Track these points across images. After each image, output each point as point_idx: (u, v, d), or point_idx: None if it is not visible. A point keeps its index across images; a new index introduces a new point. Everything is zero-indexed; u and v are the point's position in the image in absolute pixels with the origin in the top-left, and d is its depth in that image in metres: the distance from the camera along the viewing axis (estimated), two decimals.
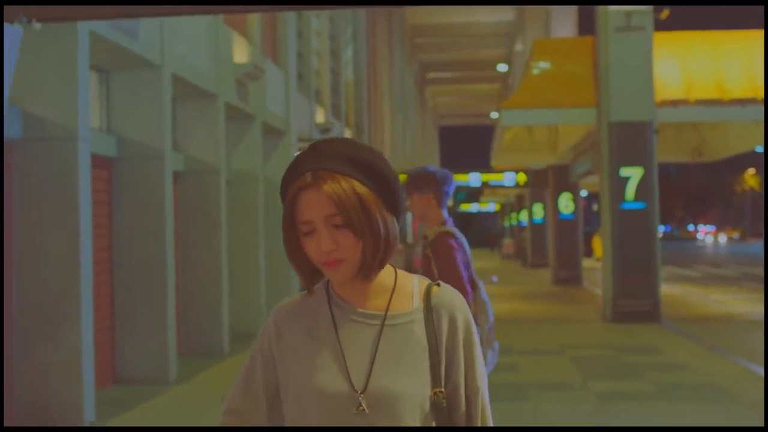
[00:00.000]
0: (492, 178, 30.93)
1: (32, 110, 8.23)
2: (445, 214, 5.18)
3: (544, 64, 18.71)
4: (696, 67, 18.17)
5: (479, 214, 78.42)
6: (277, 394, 2.01)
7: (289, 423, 1.98)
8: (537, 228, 36.00)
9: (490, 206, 67.05)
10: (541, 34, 31.98)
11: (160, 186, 10.48)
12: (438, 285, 2.01)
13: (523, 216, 43.71)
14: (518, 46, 42.91)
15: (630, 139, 16.77)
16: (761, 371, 10.65)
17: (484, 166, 38.75)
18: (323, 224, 1.88)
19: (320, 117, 22.32)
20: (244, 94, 14.10)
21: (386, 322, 1.95)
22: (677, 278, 30.22)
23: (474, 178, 30.30)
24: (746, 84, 17.76)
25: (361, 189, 1.89)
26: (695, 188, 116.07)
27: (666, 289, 20.12)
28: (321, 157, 1.91)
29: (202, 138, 12.68)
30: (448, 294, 2.00)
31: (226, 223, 13.08)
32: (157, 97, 10.46)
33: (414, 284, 2.01)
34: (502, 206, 64.63)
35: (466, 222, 67.74)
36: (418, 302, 1.98)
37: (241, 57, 14.03)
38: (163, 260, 10.44)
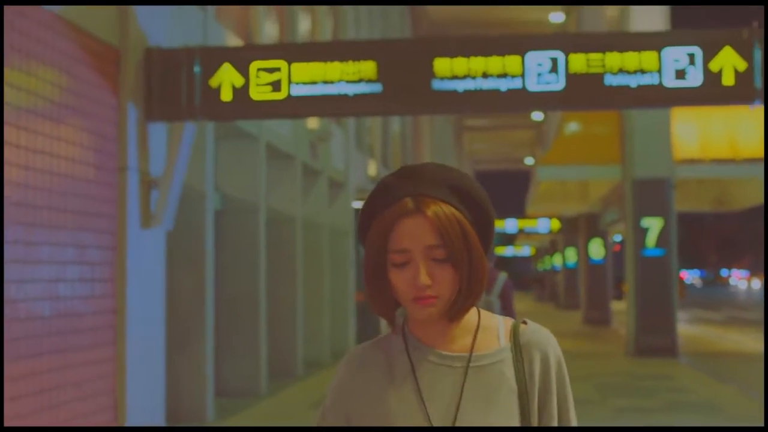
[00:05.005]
0: (527, 224, 33.02)
1: None
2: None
3: (575, 126, 20.94)
4: (711, 129, 20.20)
5: (514, 258, 79.94)
6: None
7: None
8: (569, 272, 37.56)
9: (524, 249, 68.86)
10: None
11: (256, 234, 12.77)
12: (525, 323, 1.86)
13: (557, 260, 45.52)
14: None
15: (651, 194, 18.89)
16: (755, 395, 12.72)
17: (518, 210, 40.76)
18: (422, 256, 1.72)
19: (372, 169, 24.61)
20: (314, 154, 16.43)
21: (471, 364, 1.79)
22: (701, 320, 32.08)
23: (510, 225, 32.35)
24: (758, 144, 19.74)
25: (463, 220, 1.75)
26: (729, 234, 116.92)
27: (688, 330, 22.15)
28: (421, 183, 1.75)
29: (282, 192, 15.00)
30: (538, 331, 1.85)
31: (302, 263, 15.40)
32: (255, 161, 12.78)
33: (499, 322, 1.85)
34: (537, 250, 66.43)
35: (500, 265, 69.16)
36: (504, 341, 1.82)
37: (313, 123, 16.35)
38: (257, 295, 12.71)
